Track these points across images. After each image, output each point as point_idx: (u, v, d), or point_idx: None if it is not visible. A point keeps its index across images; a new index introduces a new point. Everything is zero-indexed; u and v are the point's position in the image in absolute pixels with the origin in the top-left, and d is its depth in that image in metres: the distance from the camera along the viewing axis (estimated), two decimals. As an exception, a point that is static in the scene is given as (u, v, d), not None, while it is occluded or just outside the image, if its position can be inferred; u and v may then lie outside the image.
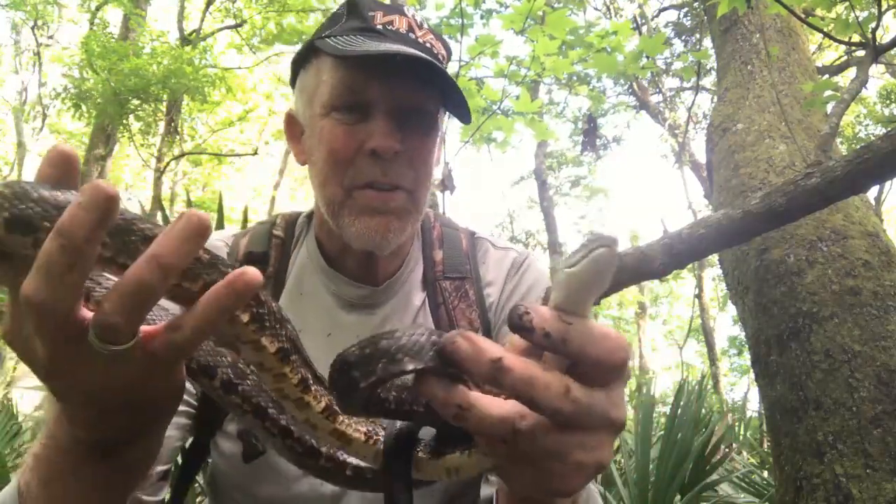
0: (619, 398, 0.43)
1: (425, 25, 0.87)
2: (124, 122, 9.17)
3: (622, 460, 3.16)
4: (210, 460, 0.91)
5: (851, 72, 7.20)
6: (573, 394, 0.41)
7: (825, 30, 3.09)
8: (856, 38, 2.91)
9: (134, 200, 16.62)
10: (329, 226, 0.88)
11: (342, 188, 0.84)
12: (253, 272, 0.42)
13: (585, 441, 0.42)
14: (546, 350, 0.42)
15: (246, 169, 19.46)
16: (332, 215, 0.86)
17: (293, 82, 0.93)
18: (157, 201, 9.68)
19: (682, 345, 15.63)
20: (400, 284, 0.94)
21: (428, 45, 0.86)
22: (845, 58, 7.21)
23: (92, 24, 10.31)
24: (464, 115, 0.86)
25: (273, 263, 0.92)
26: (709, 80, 8.44)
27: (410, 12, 0.86)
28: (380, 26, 0.83)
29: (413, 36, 0.84)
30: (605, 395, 0.42)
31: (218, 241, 0.94)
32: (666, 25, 9.17)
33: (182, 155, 12.09)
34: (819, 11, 4.10)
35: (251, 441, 0.78)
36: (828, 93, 2.81)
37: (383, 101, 0.82)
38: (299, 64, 0.91)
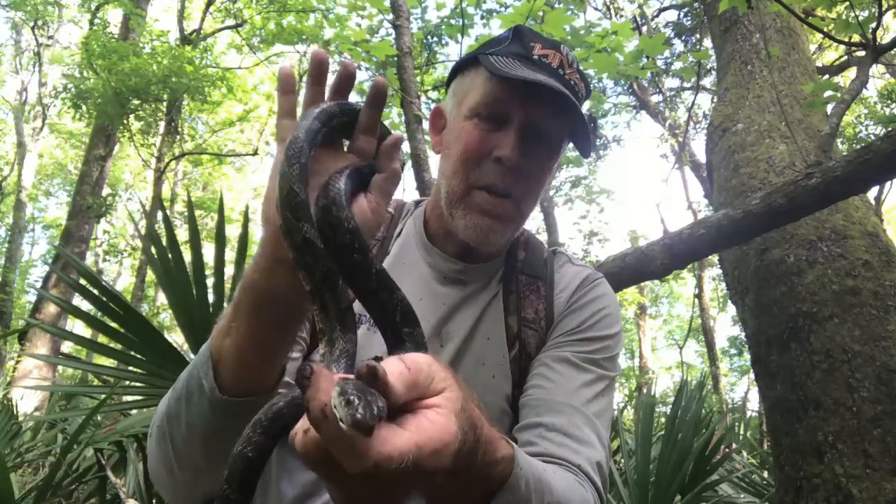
0: (392, 487, 0.47)
1: (575, 65, 0.99)
2: (124, 121, 9.17)
3: (622, 460, 3.16)
4: None
5: (852, 72, 7.20)
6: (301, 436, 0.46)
7: (825, 30, 3.09)
8: (856, 38, 2.91)
9: (134, 200, 16.63)
10: (441, 211, 1.00)
11: (466, 184, 0.95)
12: None
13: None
14: None
15: (246, 169, 19.46)
16: (449, 204, 0.97)
17: (448, 83, 1.06)
18: (157, 201, 9.68)
19: (682, 345, 15.60)
20: (488, 271, 1.05)
21: (572, 82, 0.97)
22: (845, 58, 7.21)
23: (92, 23, 10.31)
24: (586, 149, 0.99)
25: (382, 232, 1.07)
26: (709, 80, 8.43)
27: (565, 51, 0.98)
28: (536, 57, 0.95)
29: (561, 72, 0.96)
30: (365, 481, 0.46)
31: None
32: (666, 25, 9.16)
33: (182, 155, 12.09)
34: (819, 11, 4.10)
35: None
36: (828, 93, 2.82)
37: (519, 118, 0.94)
38: (459, 69, 1.03)
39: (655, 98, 10.10)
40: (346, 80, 0.72)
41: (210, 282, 2.15)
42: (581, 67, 1.02)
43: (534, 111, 0.93)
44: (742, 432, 5.34)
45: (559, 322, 1.01)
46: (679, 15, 8.59)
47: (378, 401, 0.42)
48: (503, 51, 0.97)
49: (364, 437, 0.41)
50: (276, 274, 0.68)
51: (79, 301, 3.15)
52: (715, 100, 4.83)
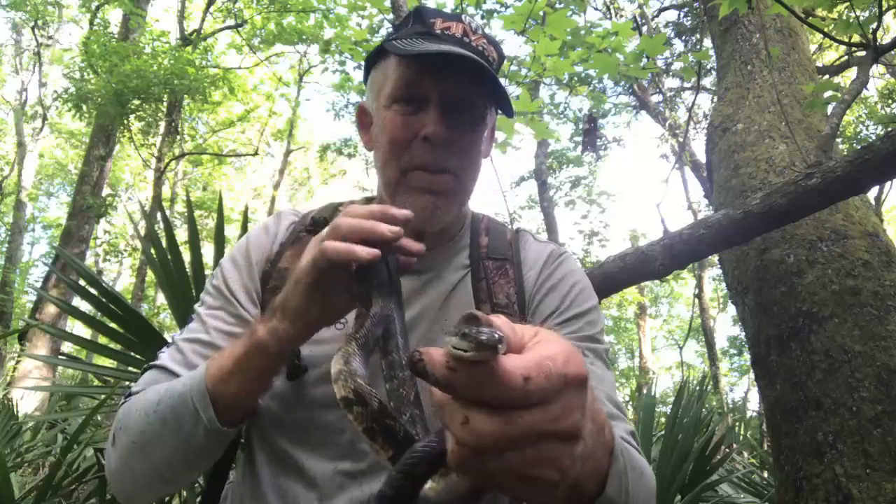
0: (563, 409, 0.44)
1: (480, 31, 0.99)
2: (125, 122, 9.18)
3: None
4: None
5: (852, 72, 7.20)
6: (471, 424, 0.42)
7: (825, 30, 3.09)
8: (856, 38, 2.91)
9: (134, 200, 16.63)
10: (387, 203, 0.99)
11: (399, 169, 0.96)
12: None
13: (524, 459, 0.43)
14: (444, 392, 0.44)
15: (246, 169, 19.47)
16: (390, 194, 0.98)
17: (365, 80, 1.06)
18: (157, 201, 9.69)
19: (682, 345, 15.61)
20: (444, 258, 1.04)
21: (480, 48, 0.98)
22: (845, 58, 7.20)
23: (92, 24, 10.31)
24: (507, 109, 0.98)
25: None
26: (709, 80, 8.43)
27: (467, 20, 0.98)
28: (438, 31, 0.96)
29: (467, 40, 0.97)
30: (540, 411, 0.43)
31: (291, 215, 1.09)
32: (666, 25, 9.17)
33: (182, 155, 12.10)
34: (819, 11, 4.10)
35: (294, 361, 0.91)
36: (828, 93, 2.81)
37: (436, 94, 0.94)
38: (371, 63, 1.04)
39: (655, 98, 10.11)
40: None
41: (210, 282, 2.15)
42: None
43: (448, 83, 0.93)
44: (742, 432, 5.34)
45: (537, 305, 1.00)
46: (679, 15, 8.60)
47: (494, 331, 0.41)
48: (406, 33, 0.97)
49: (496, 363, 0.41)
50: (299, 340, 0.81)
51: (78, 302, 3.15)
52: (715, 100, 4.83)
